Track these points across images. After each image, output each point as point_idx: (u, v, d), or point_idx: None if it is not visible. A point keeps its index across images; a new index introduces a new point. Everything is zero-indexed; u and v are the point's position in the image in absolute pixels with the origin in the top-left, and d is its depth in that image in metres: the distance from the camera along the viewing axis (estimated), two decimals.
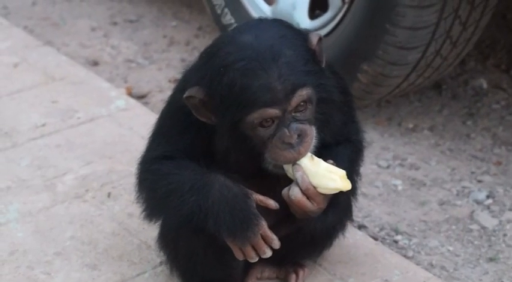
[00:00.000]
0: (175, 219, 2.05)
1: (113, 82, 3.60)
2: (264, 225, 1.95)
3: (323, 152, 2.06)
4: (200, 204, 1.95)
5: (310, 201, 1.97)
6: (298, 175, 1.95)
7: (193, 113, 1.97)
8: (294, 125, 1.92)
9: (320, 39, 1.98)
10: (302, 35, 1.97)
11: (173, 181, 1.99)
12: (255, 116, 1.89)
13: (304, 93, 1.90)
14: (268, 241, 1.97)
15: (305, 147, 1.94)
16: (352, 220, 2.37)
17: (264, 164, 1.99)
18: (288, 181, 2.00)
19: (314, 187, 1.95)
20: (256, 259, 2.00)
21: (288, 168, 1.98)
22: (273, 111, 1.89)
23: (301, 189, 1.96)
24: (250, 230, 1.94)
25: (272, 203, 1.99)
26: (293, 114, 1.92)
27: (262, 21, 1.99)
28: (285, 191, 1.99)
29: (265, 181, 2.05)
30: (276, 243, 1.98)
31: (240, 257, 2.00)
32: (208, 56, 1.96)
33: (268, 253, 1.98)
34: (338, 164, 2.05)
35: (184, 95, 1.94)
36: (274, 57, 1.87)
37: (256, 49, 1.88)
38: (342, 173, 1.98)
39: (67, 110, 3.18)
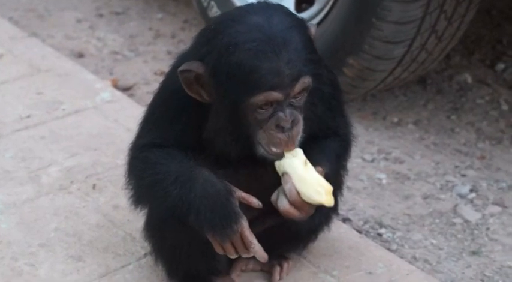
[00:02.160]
0: (160, 209, 2.05)
1: (99, 74, 3.58)
2: (243, 225, 1.95)
3: (312, 144, 2.07)
4: (183, 198, 1.95)
5: (297, 210, 1.98)
6: (287, 187, 1.96)
7: (184, 89, 1.96)
8: (289, 110, 1.93)
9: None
10: (304, 23, 1.99)
11: (160, 171, 1.99)
12: (260, 98, 1.89)
13: (306, 80, 1.92)
14: (246, 243, 1.97)
15: (295, 133, 1.95)
16: (337, 214, 2.38)
17: (255, 149, 1.99)
18: (276, 173, 2.00)
19: (298, 193, 1.96)
20: (236, 256, 2.00)
21: (278, 165, 1.98)
22: (278, 95, 1.90)
23: (289, 200, 1.96)
24: (229, 227, 1.94)
25: (255, 202, 1.99)
26: (291, 100, 1.93)
27: (268, 4, 1.98)
28: (273, 197, 1.99)
29: (252, 173, 2.05)
30: (255, 248, 1.97)
31: (220, 251, 2.01)
32: (213, 34, 1.94)
33: (247, 254, 1.99)
34: (325, 158, 2.05)
35: (181, 68, 1.93)
36: (285, 42, 1.88)
37: (268, 32, 1.88)
38: (329, 188, 1.98)
39: (52, 102, 3.17)
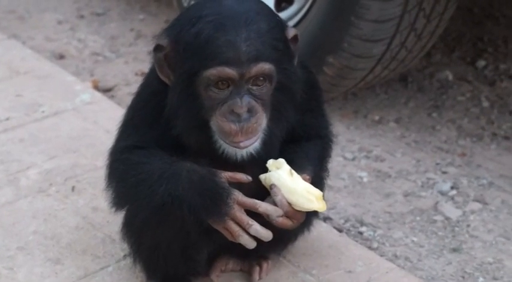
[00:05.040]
0: (145, 209, 2.02)
1: (79, 76, 3.57)
2: (237, 195, 1.93)
3: (294, 147, 2.07)
4: (171, 193, 1.92)
5: (290, 219, 1.97)
6: (277, 199, 1.95)
7: (157, 72, 1.95)
8: (247, 98, 1.89)
9: (296, 36, 1.97)
10: (281, 22, 1.97)
11: (142, 171, 1.97)
12: (213, 72, 1.86)
13: (266, 67, 1.88)
14: (250, 207, 1.93)
15: (252, 126, 1.90)
16: (317, 216, 2.37)
17: (213, 139, 1.96)
18: (255, 165, 1.99)
19: (289, 203, 1.95)
20: (246, 237, 1.94)
21: (264, 178, 1.98)
22: (231, 72, 1.86)
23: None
24: (224, 203, 1.91)
25: (243, 177, 1.96)
26: (250, 86, 1.90)
27: None
28: (262, 208, 1.96)
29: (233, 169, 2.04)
30: (262, 206, 1.93)
31: (229, 237, 1.96)
32: (185, 10, 1.97)
33: (255, 226, 1.93)
34: (309, 163, 2.05)
35: (153, 47, 1.92)
36: (248, 22, 1.86)
37: (235, 9, 1.88)
38: (319, 194, 1.98)
39: (31, 104, 3.15)
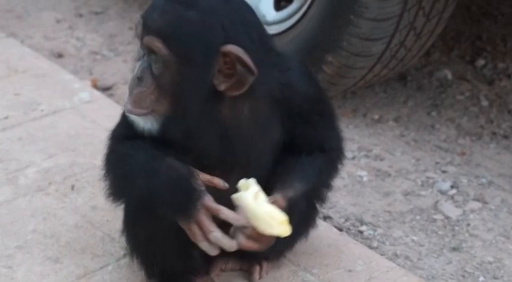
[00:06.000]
0: (131, 203, 2.05)
1: (78, 74, 3.56)
2: (206, 199, 1.91)
3: (293, 162, 2.05)
4: (148, 187, 1.92)
5: (256, 242, 1.95)
6: (241, 222, 1.93)
7: None
8: (145, 66, 1.89)
9: (241, 58, 1.85)
10: (229, 37, 1.86)
11: (128, 163, 1.96)
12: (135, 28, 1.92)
13: (156, 44, 1.84)
14: (213, 212, 1.91)
15: (135, 94, 1.90)
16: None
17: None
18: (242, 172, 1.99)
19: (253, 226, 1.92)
20: (205, 243, 1.93)
21: (233, 198, 1.94)
22: (137, 33, 1.88)
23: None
24: (192, 205, 1.90)
25: (220, 182, 1.95)
26: (148, 57, 1.89)
27: None
28: (231, 230, 1.95)
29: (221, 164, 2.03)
30: (224, 213, 1.91)
31: (194, 240, 1.95)
32: None
33: (215, 233, 1.91)
34: (304, 177, 2.03)
35: None
36: (190, 4, 1.83)
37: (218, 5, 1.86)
38: (282, 218, 1.93)
39: (30, 103, 3.14)
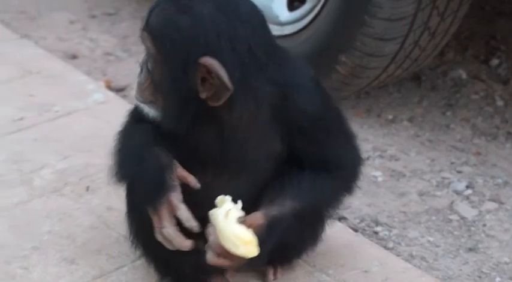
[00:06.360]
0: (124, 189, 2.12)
1: (92, 75, 3.57)
2: (173, 195, 1.91)
3: (289, 175, 2.01)
4: (131, 175, 2.00)
5: (227, 260, 1.93)
6: (210, 239, 1.92)
7: None
8: (145, 59, 1.96)
9: (216, 72, 1.82)
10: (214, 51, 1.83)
11: (125, 146, 2.04)
12: None
13: (149, 43, 1.88)
14: (173, 208, 1.92)
15: (138, 86, 1.98)
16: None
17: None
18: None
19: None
20: (160, 237, 1.95)
21: (210, 214, 1.94)
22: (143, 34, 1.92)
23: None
24: (158, 195, 1.91)
25: (193, 181, 1.95)
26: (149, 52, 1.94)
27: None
28: (206, 245, 1.95)
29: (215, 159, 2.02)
30: (180, 211, 1.91)
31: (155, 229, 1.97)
32: None
33: (168, 229, 1.92)
34: (299, 194, 1.99)
35: None
36: (185, 7, 1.83)
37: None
38: (249, 239, 1.90)
39: (44, 104, 3.15)
